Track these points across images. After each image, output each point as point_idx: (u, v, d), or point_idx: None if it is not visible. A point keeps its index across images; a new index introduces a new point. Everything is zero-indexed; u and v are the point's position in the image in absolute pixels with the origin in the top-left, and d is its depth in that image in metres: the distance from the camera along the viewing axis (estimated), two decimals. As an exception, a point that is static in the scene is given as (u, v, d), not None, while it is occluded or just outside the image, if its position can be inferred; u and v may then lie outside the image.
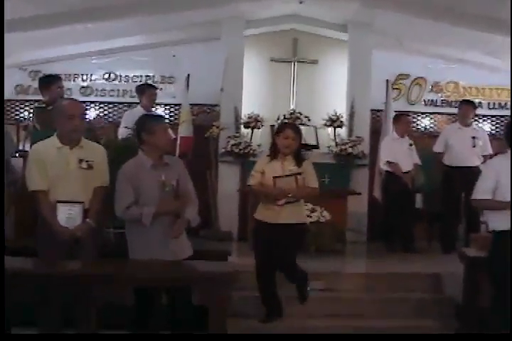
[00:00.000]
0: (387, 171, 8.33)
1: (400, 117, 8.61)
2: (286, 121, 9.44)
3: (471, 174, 7.55)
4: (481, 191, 4.75)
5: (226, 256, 5.62)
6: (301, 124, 9.31)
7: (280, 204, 5.29)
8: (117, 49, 10.01)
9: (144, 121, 4.69)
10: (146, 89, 8.12)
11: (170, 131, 5.27)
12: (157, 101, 9.39)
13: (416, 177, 8.24)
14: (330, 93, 10.02)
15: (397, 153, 8.24)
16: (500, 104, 10.64)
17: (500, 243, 4.74)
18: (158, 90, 8.60)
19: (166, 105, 10.15)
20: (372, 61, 9.66)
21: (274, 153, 5.44)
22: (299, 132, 5.47)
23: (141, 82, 9.73)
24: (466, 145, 8.07)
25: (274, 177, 5.28)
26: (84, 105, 5.15)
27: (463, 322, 5.51)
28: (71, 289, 4.09)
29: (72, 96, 8.65)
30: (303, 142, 8.91)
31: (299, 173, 5.31)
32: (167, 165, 4.59)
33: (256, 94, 9.88)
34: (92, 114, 10.07)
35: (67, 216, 4.51)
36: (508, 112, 10.45)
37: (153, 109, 9.45)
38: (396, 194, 8.14)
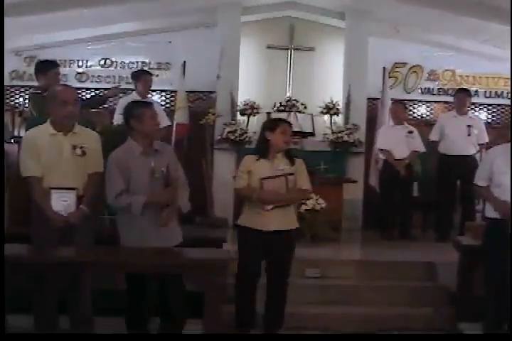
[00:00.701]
0: (384, 159, 8.35)
1: (396, 105, 8.60)
2: (282, 108, 9.44)
3: (467, 162, 7.60)
4: (478, 177, 4.86)
5: (221, 243, 5.63)
6: (297, 112, 9.36)
7: (268, 209, 4.81)
8: (113, 35, 9.95)
9: (132, 107, 4.65)
10: (141, 76, 8.08)
11: (163, 118, 5.19)
12: (153, 87, 9.35)
13: (412, 163, 8.24)
14: (326, 80, 9.99)
15: (393, 140, 8.24)
16: (496, 92, 10.62)
17: (492, 230, 4.78)
18: (154, 77, 8.55)
19: (162, 92, 10.11)
20: (369, 49, 9.64)
21: (266, 151, 4.92)
22: (291, 127, 5.10)
23: (137, 68, 9.66)
24: (461, 134, 8.06)
25: (262, 179, 4.80)
26: (77, 91, 5.10)
27: (457, 310, 5.54)
28: (65, 276, 4.10)
29: (67, 83, 8.61)
30: (299, 129, 9.05)
31: (291, 174, 4.90)
32: (157, 152, 4.58)
33: (252, 81, 9.86)
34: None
35: (61, 202, 4.50)
36: (504, 101, 10.44)
37: (149, 96, 9.46)
38: (389, 181, 8.16)
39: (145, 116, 4.51)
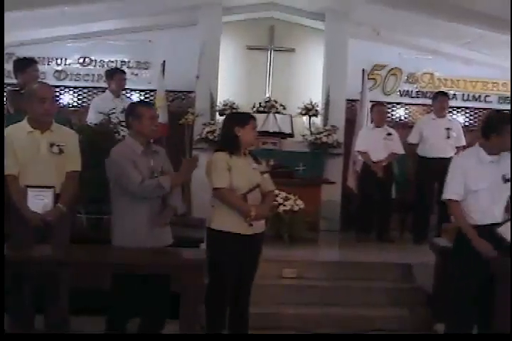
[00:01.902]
0: (363, 161, 8.39)
1: (376, 107, 8.64)
2: (261, 109, 9.45)
3: (445, 165, 7.56)
4: (450, 191, 4.78)
5: (198, 243, 5.61)
6: (276, 112, 9.37)
7: (251, 223, 4.57)
8: (93, 33, 9.89)
9: (134, 106, 4.62)
10: (115, 74, 8.00)
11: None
12: (132, 86, 9.36)
13: (391, 166, 8.28)
14: (306, 82, 10.02)
15: (371, 142, 8.28)
16: (474, 96, 10.69)
17: (463, 236, 4.80)
18: (133, 76, 8.52)
19: (141, 91, 10.06)
20: (348, 50, 9.67)
21: (237, 148, 4.67)
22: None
23: (116, 67, 9.62)
24: (440, 137, 8.12)
25: (244, 194, 4.55)
26: (55, 89, 5.08)
27: (433, 311, 5.57)
28: (42, 274, 4.07)
29: (45, 80, 8.54)
30: (277, 130, 9.06)
31: (266, 172, 4.79)
32: (155, 153, 4.55)
33: (232, 82, 9.86)
34: (66, 98, 9.97)
35: (38, 201, 4.47)
36: (481, 104, 10.53)
37: (128, 95, 9.43)
38: (367, 183, 8.21)
39: (145, 116, 4.46)
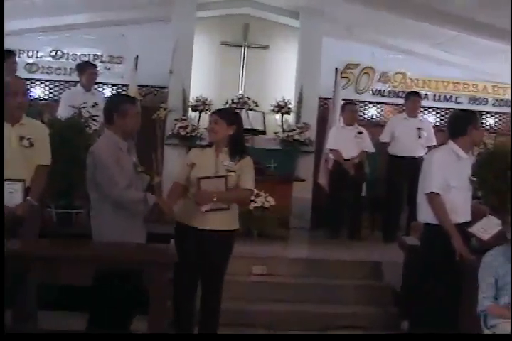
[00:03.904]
0: (334, 159, 8.42)
1: (347, 106, 8.68)
2: (234, 105, 9.44)
3: (416, 164, 7.67)
4: (433, 185, 4.81)
5: (169, 239, 5.58)
6: (249, 109, 9.36)
7: (204, 211, 4.52)
8: (66, 26, 9.79)
9: (118, 101, 4.53)
10: (86, 68, 7.91)
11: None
12: (104, 81, 9.29)
13: (362, 164, 8.33)
14: (279, 79, 10.03)
15: (342, 140, 8.32)
16: (445, 96, 10.80)
17: (426, 234, 4.85)
18: (105, 70, 8.45)
19: (113, 85, 9.99)
20: (322, 49, 9.67)
21: (206, 145, 4.81)
22: (227, 117, 4.69)
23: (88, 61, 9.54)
24: (411, 136, 8.18)
25: (199, 179, 4.51)
26: (26, 82, 5.01)
27: (400, 309, 5.61)
28: (11, 269, 4.02)
29: (17, 73, 8.44)
30: (249, 127, 9.05)
31: (233, 171, 4.60)
32: (133, 148, 4.54)
33: (205, 78, 9.83)
34: (37, 91, 9.87)
35: (7, 194, 4.41)
36: (452, 105, 10.62)
37: (101, 89, 9.36)
38: (339, 181, 8.25)
39: (130, 113, 4.42)
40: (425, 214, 4.94)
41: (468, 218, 4.91)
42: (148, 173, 4.74)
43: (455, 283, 4.72)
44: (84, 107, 6.04)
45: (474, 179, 5.04)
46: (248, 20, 9.99)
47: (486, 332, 4.07)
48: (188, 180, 4.67)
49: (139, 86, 9.50)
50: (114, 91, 9.94)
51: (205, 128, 8.75)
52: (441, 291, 4.72)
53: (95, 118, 6.03)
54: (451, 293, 4.73)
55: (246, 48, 9.94)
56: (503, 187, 5.69)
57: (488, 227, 4.88)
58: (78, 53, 9.98)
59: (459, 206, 4.83)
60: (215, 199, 4.50)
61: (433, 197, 4.80)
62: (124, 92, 9.67)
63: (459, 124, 4.98)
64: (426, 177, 4.91)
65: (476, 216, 5.02)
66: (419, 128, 8.22)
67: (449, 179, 4.79)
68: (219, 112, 4.80)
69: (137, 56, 9.44)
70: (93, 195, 4.41)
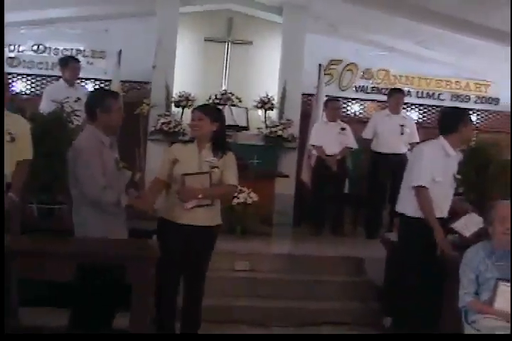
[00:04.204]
0: (317, 155, 8.44)
1: (330, 102, 8.68)
2: (217, 101, 9.42)
3: (398, 161, 7.72)
4: (421, 178, 4.84)
5: (151, 235, 5.57)
6: (232, 105, 9.35)
7: (188, 208, 4.55)
8: (48, 20, 9.72)
9: (101, 96, 4.47)
10: (69, 62, 7.85)
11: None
12: (87, 76, 9.24)
13: (344, 160, 8.35)
14: (262, 75, 10.01)
15: (325, 137, 8.33)
16: (428, 93, 10.86)
17: (404, 225, 4.90)
18: (88, 65, 8.40)
19: (95, 80, 9.94)
20: (305, 45, 9.67)
21: (190, 139, 4.86)
22: (211, 113, 4.71)
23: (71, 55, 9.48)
24: (394, 133, 8.20)
25: (183, 175, 4.52)
26: (8, 76, 4.97)
27: (383, 305, 5.64)
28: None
29: (-2, 67, 8.40)
30: (232, 123, 9.05)
31: (216, 167, 4.62)
32: (115, 143, 4.51)
33: (188, 73, 9.79)
34: (19, 86, 9.81)
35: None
36: (435, 102, 10.69)
37: (83, 84, 9.31)
38: (321, 177, 8.26)
39: (114, 109, 4.39)
40: (406, 206, 4.98)
41: (445, 214, 4.95)
42: (130, 169, 4.72)
43: (436, 278, 4.75)
44: (66, 102, 6.00)
45: (459, 176, 5.06)
46: (232, 16, 9.96)
47: (467, 327, 4.10)
48: (169, 175, 4.67)
49: (121, 81, 9.46)
50: (97, 87, 9.88)
51: (188, 124, 8.80)
52: (422, 287, 4.75)
53: (77, 113, 5.99)
54: (433, 289, 4.76)
55: (229, 44, 9.92)
56: (484, 184, 5.75)
57: (470, 224, 4.92)
58: (60, 48, 9.92)
59: (439, 201, 4.88)
60: (200, 196, 4.52)
61: (421, 191, 4.83)
62: (106, 87, 9.62)
63: (450, 121, 5.02)
64: (413, 169, 4.94)
65: (459, 212, 5.06)
66: (401, 125, 8.24)
67: (434, 174, 4.84)
68: (203, 109, 4.80)
69: (120, 51, 9.39)
70: (73, 190, 4.37)
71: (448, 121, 5.05)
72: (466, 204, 5.28)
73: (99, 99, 4.41)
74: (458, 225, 4.94)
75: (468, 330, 4.09)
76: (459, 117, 5.03)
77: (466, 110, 5.35)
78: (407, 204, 4.97)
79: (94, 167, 4.19)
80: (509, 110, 10.93)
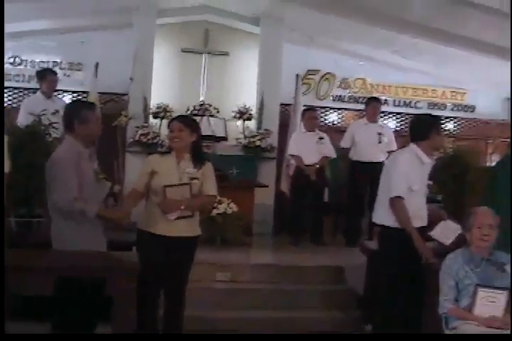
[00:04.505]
0: (296, 165, 8.45)
1: (308, 112, 8.70)
2: (195, 112, 9.42)
3: (376, 169, 7.72)
4: (398, 188, 4.78)
5: (131, 247, 5.55)
6: (210, 116, 9.35)
7: (171, 219, 4.53)
8: (24, 32, 9.65)
9: (78, 108, 4.45)
10: (46, 75, 7.85)
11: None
12: (64, 88, 9.20)
13: (323, 169, 8.37)
14: (240, 85, 10.04)
15: (303, 146, 8.33)
16: (405, 101, 10.95)
17: (384, 236, 4.89)
18: (65, 77, 8.38)
19: (73, 92, 9.90)
20: (283, 55, 9.72)
21: (168, 150, 4.79)
22: (190, 124, 4.71)
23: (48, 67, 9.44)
24: (372, 141, 8.24)
25: (165, 187, 4.49)
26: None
27: (364, 312, 5.65)
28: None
29: (-26, 80, 8.35)
30: (211, 134, 9.05)
31: (196, 178, 4.62)
32: (94, 154, 4.49)
33: (166, 85, 9.81)
34: (-5, 98, 9.76)
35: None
36: (412, 110, 10.77)
37: (61, 96, 9.27)
38: (300, 186, 8.27)
39: (91, 120, 4.36)
40: (384, 217, 4.92)
41: (424, 223, 4.95)
42: (109, 180, 4.70)
43: (416, 286, 4.76)
44: (44, 114, 5.97)
45: (431, 183, 5.08)
46: (208, 27, 10.00)
47: (448, 333, 4.12)
48: (146, 187, 4.65)
49: (99, 93, 9.42)
50: (75, 99, 9.84)
51: (167, 136, 8.78)
52: (402, 295, 4.76)
53: (55, 125, 5.96)
54: (413, 296, 4.77)
55: (207, 55, 9.96)
56: (462, 191, 5.79)
57: (447, 232, 4.93)
58: (37, 60, 9.89)
59: (418, 209, 4.86)
60: (183, 207, 4.52)
61: (397, 201, 4.77)
62: (84, 99, 9.59)
63: (422, 128, 4.97)
64: (389, 179, 4.88)
65: (435, 220, 5.07)
66: (379, 134, 8.29)
67: (411, 182, 4.79)
68: (183, 120, 4.78)
69: (97, 63, 9.38)
70: (49, 202, 4.36)
71: (419, 128, 5.00)
72: (441, 212, 5.28)
73: (76, 111, 4.39)
74: (435, 234, 4.94)
75: (449, 337, 4.12)
76: (430, 124, 5.00)
77: (437, 117, 5.32)
78: (385, 215, 4.90)
79: (68, 178, 4.16)
80: (485, 117, 11.11)
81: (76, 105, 4.67)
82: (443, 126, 10.82)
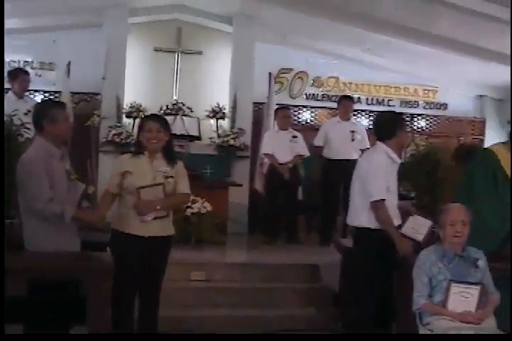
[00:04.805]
0: (270, 163, 8.46)
1: (281, 110, 8.72)
2: (168, 111, 9.40)
3: (350, 167, 7.75)
4: (380, 192, 4.72)
5: (105, 247, 5.52)
6: (183, 115, 9.34)
7: (146, 220, 4.49)
8: (-6, 32, 9.59)
9: (47, 107, 4.43)
10: (18, 75, 7.76)
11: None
12: (36, 87, 9.12)
13: (297, 167, 8.39)
14: (213, 84, 10.04)
15: (277, 145, 8.35)
16: (378, 99, 11.02)
17: (363, 238, 4.87)
18: (37, 77, 8.30)
19: (45, 92, 9.83)
20: (256, 54, 9.74)
21: (139, 150, 4.65)
22: (165, 124, 4.68)
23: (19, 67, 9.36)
24: (345, 139, 8.26)
25: (138, 188, 4.45)
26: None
27: (340, 310, 5.67)
28: None
29: None
30: (185, 133, 9.04)
31: (171, 177, 4.59)
32: (67, 154, 4.45)
33: (139, 84, 9.77)
34: (-35, 99, 9.64)
35: None
36: (385, 108, 10.80)
37: (32, 96, 9.19)
38: (274, 185, 8.29)
39: (60, 119, 4.32)
40: (361, 218, 4.85)
41: (400, 221, 4.96)
42: (82, 181, 4.68)
43: (390, 284, 4.79)
44: (15, 115, 5.91)
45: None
46: (181, 26, 9.98)
47: (422, 329, 4.15)
48: (119, 187, 4.58)
49: (71, 93, 9.37)
50: (46, 99, 9.76)
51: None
52: (378, 293, 4.77)
53: (28, 125, 5.91)
54: (388, 293, 4.80)
55: (180, 54, 9.94)
56: (435, 187, 5.83)
57: (418, 227, 4.95)
58: (7, 59, 9.77)
59: (394, 209, 4.85)
60: (158, 207, 4.50)
61: (380, 205, 4.70)
62: (56, 99, 9.52)
63: (387, 127, 4.93)
64: (368, 183, 4.77)
65: (404, 216, 5.07)
66: (352, 131, 8.30)
67: (388, 183, 4.77)
68: (160, 120, 4.72)
69: (69, 62, 9.31)
70: (21, 203, 4.33)
71: (385, 127, 4.95)
72: (409, 207, 5.20)
73: (45, 110, 4.38)
74: (406, 230, 4.91)
75: (423, 332, 4.15)
76: (395, 122, 4.97)
77: (401, 114, 5.27)
78: (362, 217, 4.83)
79: (39, 179, 4.14)
80: (457, 115, 11.22)
81: (45, 104, 4.65)
82: (415, 123, 10.97)
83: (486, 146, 5.94)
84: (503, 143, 5.10)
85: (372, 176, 4.75)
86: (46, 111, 4.36)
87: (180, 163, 4.73)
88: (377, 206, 4.70)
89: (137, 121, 9.22)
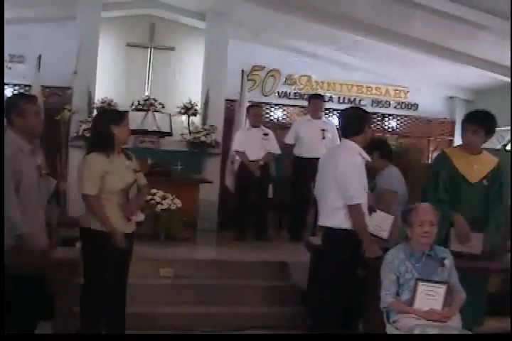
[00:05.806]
0: (240, 161, 8.47)
1: (253, 108, 8.72)
2: (140, 107, 9.36)
3: (320, 165, 7.80)
4: (359, 195, 4.62)
5: (74, 242, 5.48)
6: (155, 111, 9.31)
7: (136, 220, 4.54)
8: (-38, 23, 9.46)
9: (16, 101, 4.36)
10: None
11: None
12: (5, 81, 9.00)
13: (267, 165, 8.40)
14: (185, 81, 10.03)
15: (248, 142, 8.36)
16: (349, 99, 11.08)
17: (332, 238, 4.85)
18: (6, 69, 8.20)
19: (15, 85, 9.73)
20: (228, 51, 9.73)
21: (112, 146, 4.45)
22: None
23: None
24: (315, 137, 8.28)
25: (123, 190, 4.41)
26: None
27: (307, 308, 5.69)
28: None
29: None
30: (156, 129, 9.01)
31: (139, 171, 4.60)
32: (39, 149, 4.40)
33: (111, 79, 9.72)
34: None
35: None
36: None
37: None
38: (245, 182, 8.33)
39: (30, 113, 4.26)
40: (333, 219, 4.72)
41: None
42: (53, 176, 4.63)
43: (358, 283, 4.81)
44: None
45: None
46: (154, 21, 9.95)
47: (389, 327, 4.19)
48: (100, 189, 4.41)
49: (42, 86, 9.30)
50: (16, 92, 9.66)
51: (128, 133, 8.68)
52: (344, 290, 4.78)
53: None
54: (356, 292, 4.82)
55: (152, 49, 9.91)
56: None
57: (381, 223, 4.97)
58: (-25, 53, 9.67)
59: (364, 207, 4.82)
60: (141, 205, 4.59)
61: (359, 208, 4.63)
62: (26, 93, 9.42)
63: (355, 122, 4.84)
64: (346, 184, 4.62)
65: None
66: (323, 130, 8.33)
67: (364, 184, 4.74)
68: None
69: (40, 56, 9.23)
70: None
71: (353, 122, 4.85)
72: (370, 204, 5.12)
73: (14, 104, 4.32)
74: (372, 229, 4.90)
75: (390, 330, 4.19)
76: (362, 118, 4.89)
77: (365, 110, 5.19)
78: (336, 217, 4.70)
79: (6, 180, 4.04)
80: (427, 116, 11.33)
81: (14, 98, 4.58)
82: (386, 123, 11.06)
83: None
84: (459, 145, 5.26)
85: (350, 178, 4.62)
86: (15, 104, 4.31)
87: (131, 155, 4.69)
88: (357, 209, 4.62)
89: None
